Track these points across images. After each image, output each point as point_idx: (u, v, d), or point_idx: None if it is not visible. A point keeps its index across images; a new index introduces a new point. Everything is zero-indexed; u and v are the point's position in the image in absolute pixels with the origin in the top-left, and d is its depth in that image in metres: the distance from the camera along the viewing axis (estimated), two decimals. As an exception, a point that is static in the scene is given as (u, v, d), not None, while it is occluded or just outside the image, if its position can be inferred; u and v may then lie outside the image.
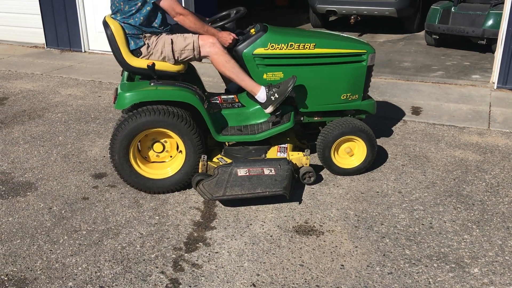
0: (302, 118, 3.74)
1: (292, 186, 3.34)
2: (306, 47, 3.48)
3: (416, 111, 5.09)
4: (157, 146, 3.41)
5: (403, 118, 4.88)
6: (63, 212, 3.22)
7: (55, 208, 3.27)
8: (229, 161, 3.47)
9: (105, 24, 3.34)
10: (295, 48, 3.46)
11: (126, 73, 3.62)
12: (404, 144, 4.27)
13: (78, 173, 3.77)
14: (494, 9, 7.32)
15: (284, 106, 3.59)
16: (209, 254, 2.78)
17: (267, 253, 2.79)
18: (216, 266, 2.68)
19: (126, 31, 3.32)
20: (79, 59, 7.45)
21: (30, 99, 5.58)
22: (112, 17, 3.37)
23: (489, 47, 7.50)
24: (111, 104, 5.36)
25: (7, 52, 8.02)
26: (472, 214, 3.17)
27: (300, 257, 2.75)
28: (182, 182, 3.41)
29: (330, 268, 2.65)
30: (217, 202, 3.32)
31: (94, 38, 7.81)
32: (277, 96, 3.43)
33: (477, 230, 2.99)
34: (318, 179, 3.62)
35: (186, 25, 3.33)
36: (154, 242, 2.89)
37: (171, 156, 3.47)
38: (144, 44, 3.33)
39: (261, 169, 3.30)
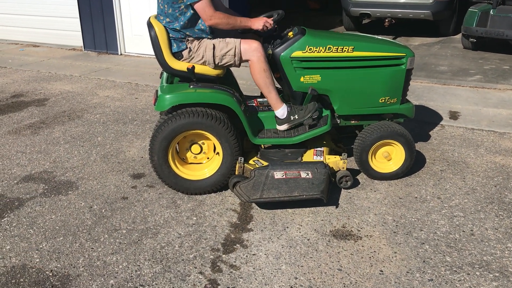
0: (339, 121, 3.72)
1: (329, 190, 3.33)
2: (345, 50, 3.45)
3: (454, 115, 5.00)
4: (195, 148, 3.46)
5: (441, 123, 4.79)
6: (103, 211, 3.29)
7: (95, 207, 3.35)
8: (265, 163, 3.49)
9: (150, 25, 3.38)
10: (333, 51, 3.44)
11: (165, 75, 3.68)
12: (442, 149, 4.19)
13: (117, 173, 3.85)
14: (536, 12, 7.11)
15: (321, 109, 3.59)
16: (247, 256, 2.80)
17: (304, 256, 2.79)
18: (254, 268, 2.69)
19: (170, 34, 3.37)
20: (116, 62, 7.62)
21: (70, 100, 5.74)
22: (157, 19, 3.43)
23: (530, 50, 7.29)
24: (147, 106, 5.46)
25: (47, 54, 8.27)
26: (515, 222, 3.09)
27: (338, 261, 2.74)
28: (219, 183, 3.44)
29: (369, 274, 2.63)
30: (253, 204, 3.34)
31: (130, 41, 7.98)
32: (296, 117, 3.50)
33: (521, 239, 2.91)
34: (355, 184, 3.60)
35: (221, 26, 3.33)
36: (192, 243, 2.92)
37: (208, 158, 3.51)
38: (186, 47, 3.37)
39: (298, 172, 3.30)
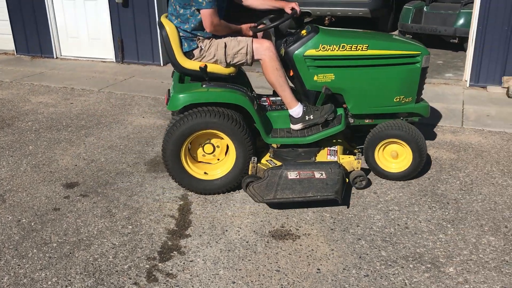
0: (352, 121, 3.67)
1: (344, 190, 3.29)
2: (359, 48, 3.38)
3: (390, 110, 5.11)
4: (208, 147, 3.42)
5: (378, 118, 4.89)
6: (32, 224, 3.12)
7: (24, 220, 3.17)
8: (278, 163, 3.44)
9: (160, 24, 3.35)
10: (347, 49, 3.38)
11: (176, 74, 3.62)
12: (379, 144, 4.27)
13: (49, 183, 3.67)
14: (465, 8, 7.43)
15: (335, 108, 3.53)
16: (184, 263, 2.73)
17: (243, 259, 2.75)
18: (191, 275, 2.62)
19: (180, 33, 3.33)
20: (51, 66, 7.30)
21: (-1, 107, 5.44)
22: (168, 18, 3.38)
23: (462, 45, 7.61)
24: (83, 111, 5.26)
25: (-25, 59, 7.81)
26: (447, 213, 3.18)
27: (276, 262, 2.72)
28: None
29: (307, 273, 2.63)
30: (192, 209, 3.27)
31: (66, 44, 7.65)
32: (311, 118, 3.45)
33: (452, 229, 3.00)
34: (294, 182, 3.60)
35: (218, 34, 3.34)
36: (127, 253, 2.82)
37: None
38: (198, 46, 3.35)
39: (312, 173, 3.27)
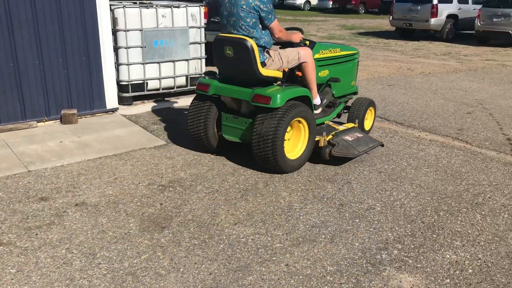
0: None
1: None
2: (337, 51, 4.86)
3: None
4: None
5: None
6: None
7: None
8: (327, 137, 4.45)
9: (244, 40, 3.99)
10: (332, 52, 4.79)
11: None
12: None
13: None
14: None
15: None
16: None
17: None
18: None
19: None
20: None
21: None
22: (241, 35, 4.05)
23: None
24: None
25: None
26: None
27: None
28: (307, 157, 4.32)
29: None
30: None
31: None
32: (325, 101, 4.78)
33: None
34: None
35: (283, 39, 4.27)
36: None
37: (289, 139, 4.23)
38: (267, 57, 4.17)
39: (354, 135, 4.55)
